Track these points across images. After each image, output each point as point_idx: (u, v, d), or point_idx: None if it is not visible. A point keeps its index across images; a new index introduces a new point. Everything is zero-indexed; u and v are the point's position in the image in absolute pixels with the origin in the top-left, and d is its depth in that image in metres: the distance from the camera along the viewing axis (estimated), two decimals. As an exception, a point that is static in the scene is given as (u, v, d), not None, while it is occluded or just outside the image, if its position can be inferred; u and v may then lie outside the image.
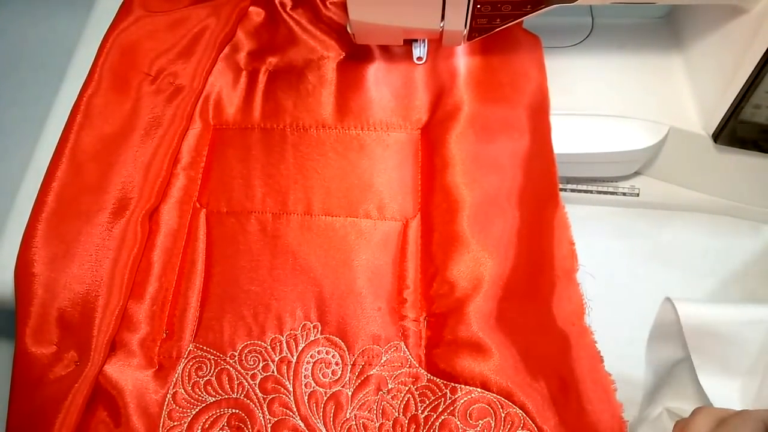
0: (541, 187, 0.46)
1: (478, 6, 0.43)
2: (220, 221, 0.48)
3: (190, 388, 0.42)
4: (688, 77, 0.51)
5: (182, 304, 0.45)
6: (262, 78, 0.54)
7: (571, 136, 0.49)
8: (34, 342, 0.41)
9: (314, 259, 0.45)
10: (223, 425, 0.40)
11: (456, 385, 0.39)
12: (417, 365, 0.41)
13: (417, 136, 0.50)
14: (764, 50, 0.40)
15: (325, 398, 0.41)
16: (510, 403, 0.38)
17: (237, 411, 0.41)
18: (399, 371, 0.41)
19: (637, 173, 0.55)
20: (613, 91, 0.51)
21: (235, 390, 0.41)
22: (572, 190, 0.55)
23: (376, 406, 0.40)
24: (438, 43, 0.49)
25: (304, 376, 0.41)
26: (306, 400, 0.41)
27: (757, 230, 0.54)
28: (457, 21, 0.44)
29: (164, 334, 0.44)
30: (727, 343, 0.41)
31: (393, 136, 0.51)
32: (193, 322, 0.44)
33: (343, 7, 0.45)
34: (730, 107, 0.44)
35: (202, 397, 0.41)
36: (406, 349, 0.42)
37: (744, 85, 0.42)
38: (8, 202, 0.47)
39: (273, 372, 0.42)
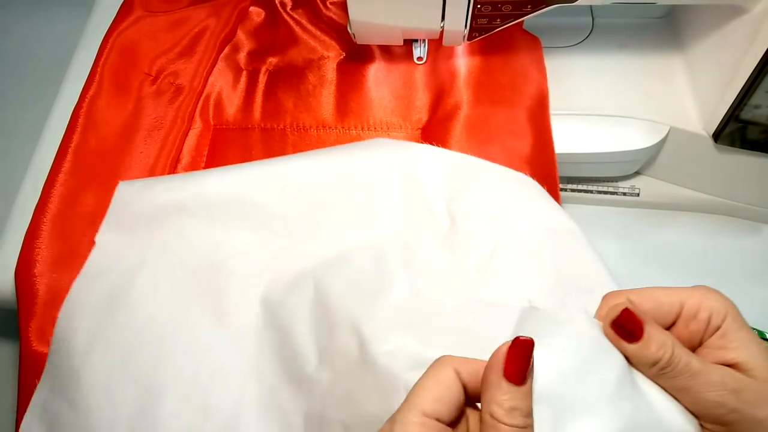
0: (542, 188, 0.46)
1: (479, 6, 0.43)
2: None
3: None
4: (688, 77, 0.51)
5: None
6: (262, 78, 0.55)
7: (571, 137, 0.49)
8: (38, 341, 0.41)
9: None
10: None
11: None
12: None
13: (417, 137, 0.50)
14: (764, 50, 0.40)
15: None
16: None
17: None
18: None
19: (637, 173, 0.55)
20: (613, 91, 0.51)
21: None
22: (572, 190, 0.55)
23: None
24: (438, 43, 0.49)
25: None
26: None
27: (757, 230, 0.54)
28: (458, 21, 0.44)
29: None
30: None
31: (393, 136, 0.51)
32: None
33: (344, 7, 0.45)
34: (730, 107, 0.44)
35: None
36: None
37: (744, 86, 0.42)
38: (8, 202, 0.47)
39: None
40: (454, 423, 0.25)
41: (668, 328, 0.27)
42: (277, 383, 0.38)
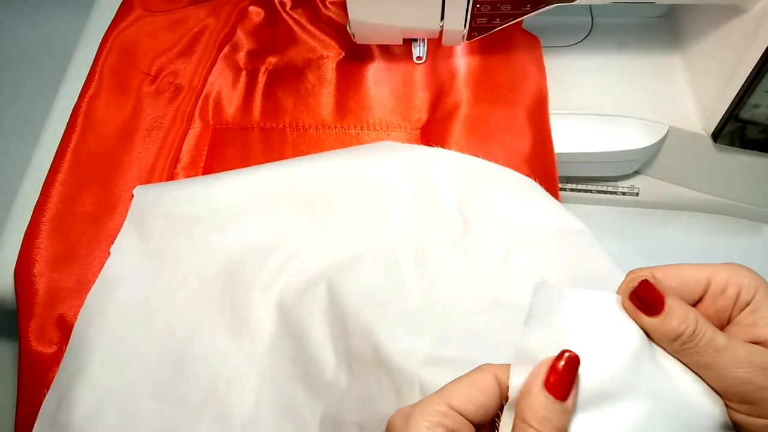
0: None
1: (478, 5, 0.43)
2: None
3: None
4: (687, 77, 0.51)
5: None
6: (261, 78, 0.55)
7: (570, 136, 0.49)
8: (38, 341, 0.41)
9: None
10: None
11: None
12: None
13: (417, 136, 0.50)
14: (764, 50, 0.40)
15: None
16: None
17: None
18: None
19: (636, 173, 0.55)
20: (613, 91, 0.51)
21: None
22: (572, 190, 0.55)
23: None
24: (438, 43, 0.49)
25: None
26: None
27: (757, 230, 0.54)
28: (457, 20, 0.44)
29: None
30: None
31: (393, 136, 0.51)
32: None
33: (343, 7, 0.45)
34: (729, 107, 0.44)
35: None
36: None
37: (743, 85, 0.42)
38: (8, 202, 0.47)
39: None
40: (481, 425, 0.25)
41: (695, 304, 0.26)
42: (293, 388, 0.38)
